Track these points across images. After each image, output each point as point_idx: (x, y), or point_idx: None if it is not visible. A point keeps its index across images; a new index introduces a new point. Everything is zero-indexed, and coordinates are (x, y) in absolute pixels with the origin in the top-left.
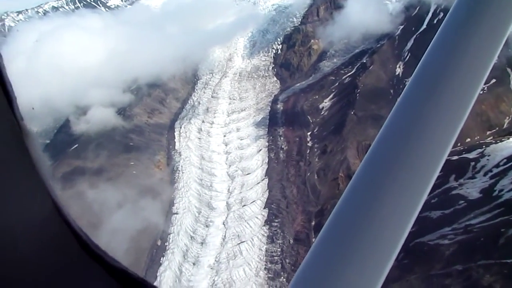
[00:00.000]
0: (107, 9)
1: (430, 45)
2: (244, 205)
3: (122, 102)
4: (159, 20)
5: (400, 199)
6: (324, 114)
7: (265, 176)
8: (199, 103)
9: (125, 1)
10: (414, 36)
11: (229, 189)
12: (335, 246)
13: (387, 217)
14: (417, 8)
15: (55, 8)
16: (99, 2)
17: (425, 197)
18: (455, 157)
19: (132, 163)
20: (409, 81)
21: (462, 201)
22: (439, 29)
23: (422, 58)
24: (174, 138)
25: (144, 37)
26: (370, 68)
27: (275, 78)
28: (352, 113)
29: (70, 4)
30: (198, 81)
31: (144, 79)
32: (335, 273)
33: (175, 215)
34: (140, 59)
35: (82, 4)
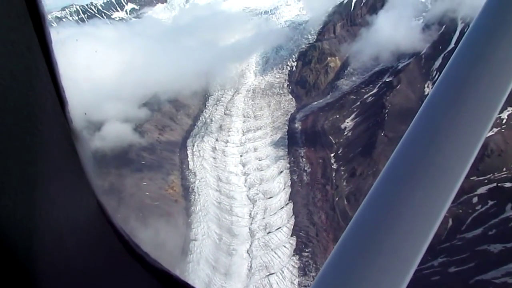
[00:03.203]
0: (111, 21)
1: (452, 57)
2: (269, 232)
3: (138, 117)
4: (172, 34)
5: (423, 203)
6: (348, 135)
7: (289, 200)
8: (211, 120)
9: (130, 14)
10: (442, 54)
11: (250, 214)
12: (356, 250)
13: (410, 220)
14: (443, 26)
15: (58, 19)
16: (103, 15)
17: (449, 200)
18: (508, 184)
19: (145, 183)
20: (430, 93)
21: None
22: (461, 41)
23: (442, 73)
24: (187, 157)
25: (154, 51)
26: (398, 87)
27: (290, 96)
28: (382, 134)
29: (74, 15)
30: (210, 97)
31: (155, 94)
32: (356, 277)
33: (194, 241)
34: (152, 73)
35: (86, 15)
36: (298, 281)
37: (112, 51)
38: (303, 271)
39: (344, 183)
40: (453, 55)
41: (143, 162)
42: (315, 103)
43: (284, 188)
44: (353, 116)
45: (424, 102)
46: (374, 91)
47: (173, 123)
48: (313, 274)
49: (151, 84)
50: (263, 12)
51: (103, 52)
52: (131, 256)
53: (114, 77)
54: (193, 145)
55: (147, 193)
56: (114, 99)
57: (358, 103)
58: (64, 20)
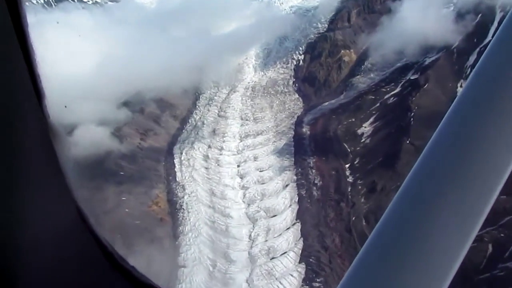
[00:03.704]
0: (83, 5)
1: (485, 52)
2: (273, 258)
3: (116, 119)
4: (156, 21)
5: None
6: (366, 142)
7: (296, 219)
8: (203, 123)
9: None
10: (477, 49)
11: (250, 236)
12: (371, 276)
13: (436, 242)
14: (479, 16)
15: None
16: None
17: (482, 219)
18: None
19: (124, 198)
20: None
21: None
22: (496, 33)
23: (474, 70)
24: (174, 166)
25: (135, 41)
26: (425, 86)
27: (296, 95)
28: (408, 142)
29: None
30: (201, 96)
31: (136, 92)
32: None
33: (183, 268)
34: (133, 67)
35: None
36: None
37: (86, 41)
38: None
39: (362, 200)
40: (487, 49)
41: (121, 173)
42: (326, 103)
43: (290, 205)
44: (371, 120)
45: (453, 103)
46: (397, 90)
47: (157, 127)
48: None
49: (132, 80)
50: None
51: (74, 42)
52: (116, 270)
53: (88, 71)
54: (181, 153)
55: (127, 210)
56: (88, 98)
57: (378, 104)
58: (27, 3)
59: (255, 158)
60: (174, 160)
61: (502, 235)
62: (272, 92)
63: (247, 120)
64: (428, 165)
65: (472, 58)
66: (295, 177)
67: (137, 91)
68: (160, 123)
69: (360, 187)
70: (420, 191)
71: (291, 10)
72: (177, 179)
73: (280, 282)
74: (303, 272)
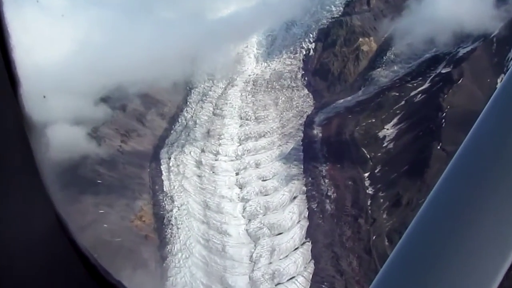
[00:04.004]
0: None
1: None
2: (278, 284)
3: (93, 118)
4: (143, 2)
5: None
6: (389, 147)
7: (306, 238)
8: (195, 122)
9: None
10: None
11: (251, 257)
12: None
13: (469, 261)
14: None
15: None
16: None
17: None
18: None
19: (102, 211)
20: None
21: None
22: None
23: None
24: (161, 174)
25: (118, 25)
26: (459, 82)
27: (306, 91)
28: (438, 147)
29: None
30: (192, 91)
31: (118, 85)
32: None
33: None
34: (114, 57)
35: None
36: None
37: (59, 25)
38: None
39: (385, 216)
40: None
41: (99, 181)
42: (341, 101)
43: (298, 221)
44: (395, 120)
45: (489, 101)
46: (425, 86)
47: (141, 127)
48: None
49: (112, 71)
50: None
51: (46, 26)
52: (99, 285)
53: (62, 61)
54: (170, 158)
55: (105, 226)
56: (61, 92)
57: (403, 102)
58: None
59: (257, 165)
60: (161, 167)
61: None
62: (277, 86)
63: (247, 119)
64: (460, 172)
65: None
66: (304, 188)
67: (118, 84)
68: (144, 123)
69: (382, 200)
70: (451, 202)
71: None
72: (164, 189)
73: None
74: None
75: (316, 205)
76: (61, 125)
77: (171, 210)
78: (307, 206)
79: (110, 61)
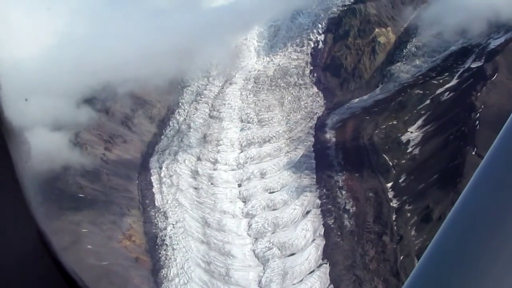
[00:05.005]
0: None
1: None
2: None
3: (75, 122)
4: None
5: None
6: (414, 153)
7: (322, 259)
8: (188, 126)
9: None
10: None
11: (260, 282)
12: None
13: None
14: None
15: None
16: None
17: None
18: None
19: (84, 230)
20: None
21: None
22: None
23: None
24: (152, 186)
25: (103, 17)
26: (494, 78)
27: (315, 89)
28: (474, 152)
29: None
30: (185, 90)
31: (102, 85)
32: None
33: None
34: (99, 52)
35: None
36: None
37: (37, 17)
38: None
39: (413, 232)
40: None
41: (81, 195)
42: (356, 100)
43: (313, 240)
44: (420, 122)
45: None
46: (453, 83)
47: (127, 131)
48: None
49: (96, 69)
50: None
51: (21, 18)
52: None
53: (40, 57)
54: (161, 168)
55: (89, 247)
56: (39, 93)
57: (428, 101)
58: None
59: (262, 175)
60: (152, 178)
61: None
62: (282, 84)
63: (249, 122)
64: (491, 175)
65: None
66: (318, 201)
67: (103, 84)
68: (131, 127)
69: (409, 214)
70: (479, 212)
71: None
72: (156, 204)
73: None
74: None
75: (332, 220)
76: (39, 130)
77: (165, 228)
78: (322, 222)
79: (94, 57)
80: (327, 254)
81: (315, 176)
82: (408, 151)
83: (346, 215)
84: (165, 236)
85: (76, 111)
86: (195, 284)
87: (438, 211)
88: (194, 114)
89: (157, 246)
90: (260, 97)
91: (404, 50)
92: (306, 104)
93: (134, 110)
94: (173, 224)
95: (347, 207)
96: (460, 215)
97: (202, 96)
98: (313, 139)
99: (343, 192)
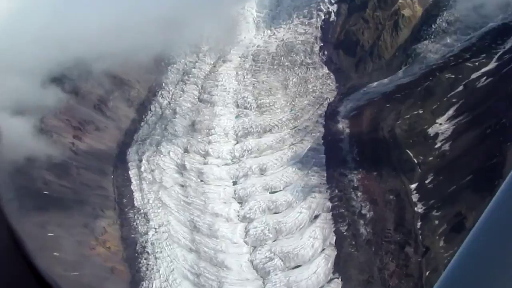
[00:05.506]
0: None
1: None
2: None
3: (40, 106)
4: None
5: None
6: (444, 149)
7: (333, 273)
8: (174, 111)
9: None
10: None
11: None
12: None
13: None
14: None
15: None
16: None
17: None
18: None
19: (51, 234)
20: None
21: None
22: None
23: None
24: (130, 182)
25: None
26: None
27: (325, 69)
28: None
29: None
30: (170, 68)
31: (73, 62)
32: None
33: None
34: (68, 24)
35: None
36: None
37: None
38: None
39: (441, 243)
40: None
41: (46, 193)
42: (375, 84)
43: (322, 249)
44: (451, 112)
45: None
46: (491, 66)
47: (102, 117)
48: None
49: (66, 43)
50: None
51: None
52: None
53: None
54: (141, 160)
55: (56, 254)
56: None
57: (460, 88)
58: None
59: (262, 171)
60: (130, 172)
61: None
62: (287, 63)
63: (246, 108)
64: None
65: None
66: (329, 204)
67: (73, 60)
68: (106, 112)
69: (437, 222)
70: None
71: None
72: (135, 204)
73: None
74: None
75: (346, 227)
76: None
77: (146, 233)
78: (333, 229)
79: (64, 27)
80: (339, 267)
81: (325, 174)
82: (437, 146)
83: (361, 221)
84: (146, 242)
85: (42, 92)
86: None
87: (472, 219)
88: (180, 97)
89: (136, 254)
90: (260, 78)
91: (433, 26)
92: (315, 88)
93: (109, 92)
94: (155, 228)
95: (363, 212)
96: (492, 221)
97: (191, 76)
98: (322, 130)
99: (359, 194)
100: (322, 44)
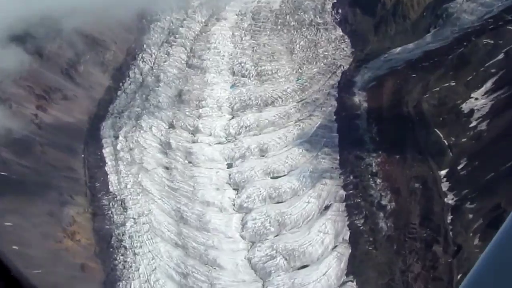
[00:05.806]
0: None
1: None
2: None
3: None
4: None
5: None
6: (480, 129)
7: (346, 275)
8: (157, 79)
9: None
10: None
11: None
12: None
13: None
14: None
15: None
16: None
17: None
18: None
19: (9, 223)
20: None
21: None
22: None
23: None
24: (104, 163)
25: None
26: None
27: (339, 31)
28: None
29: None
30: (153, 26)
31: (38, 17)
32: None
33: None
34: None
35: None
36: None
37: None
38: None
39: (476, 241)
40: None
41: (4, 174)
42: (398, 50)
43: (334, 247)
44: (489, 85)
45: None
46: None
47: (71, 84)
48: None
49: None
50: None
51: None
52: None
53: None
54: (117, 137)
55: (15, 247)
56: None
57: (501, 56)
58: None
59: (262, 152)
60: (104, 151)
61: None
62: (293, 23)
63: (243, 76)
64: None
65: None
66: (342, 192)
67: (38, 16)
68: (75, 78)
69: (471, 215)
70: None
71: None
72: (110, 189)
73: None
74: None
75: (362, 221)
76: None
77: (123, 224)
78: (347, 223)
79: None
80: (354, 267)
81: (337, 157)
82: (471, 125)
83: (381, 214)
84: (123, 235)
85: (0, 53)
86: None
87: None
88: (165, 62)
89: (111, 249)
90: (261, 40)
91: None
92: (326, 53)
93: (80, 54)
94: (134, 219)
95: (383, 203)
96: None
97: (177, 36)
98: (335, 103)
99: (378, 181)
100: (335, 1)
